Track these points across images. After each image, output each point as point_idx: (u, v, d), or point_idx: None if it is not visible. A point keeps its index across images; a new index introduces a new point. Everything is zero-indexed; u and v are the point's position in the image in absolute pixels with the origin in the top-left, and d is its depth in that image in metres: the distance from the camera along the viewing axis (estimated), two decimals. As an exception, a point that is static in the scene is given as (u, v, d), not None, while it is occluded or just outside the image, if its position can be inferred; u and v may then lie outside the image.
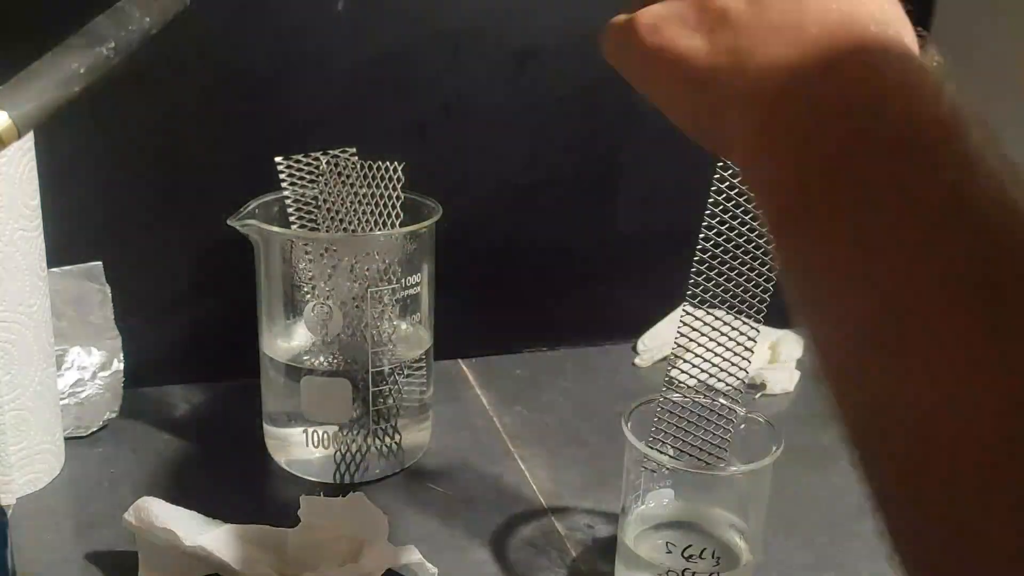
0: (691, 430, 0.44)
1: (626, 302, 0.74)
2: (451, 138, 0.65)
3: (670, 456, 0.44)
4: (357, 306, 0.51)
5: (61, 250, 0.56)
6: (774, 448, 0.44)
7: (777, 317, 0.63)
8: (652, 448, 0.44)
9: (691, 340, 0.45)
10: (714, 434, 0.45)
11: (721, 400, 0.45)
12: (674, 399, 0.45)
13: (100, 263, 0.59)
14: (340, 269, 0.50)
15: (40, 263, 0.50)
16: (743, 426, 0.46)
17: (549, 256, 0.71)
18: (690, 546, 0.43)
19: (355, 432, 0.53)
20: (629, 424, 0.45)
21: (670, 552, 0.43)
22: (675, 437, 0.44)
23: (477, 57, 0.64)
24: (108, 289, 0.59)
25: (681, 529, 0.46)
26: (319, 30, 0.61)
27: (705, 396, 0.45)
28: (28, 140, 0.47)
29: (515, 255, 0.70)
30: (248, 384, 0.58)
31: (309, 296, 0.52)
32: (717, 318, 0.45)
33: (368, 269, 0.50)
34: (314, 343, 0.53)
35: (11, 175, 0.46)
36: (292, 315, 0.55)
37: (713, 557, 0.43)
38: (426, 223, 0.52)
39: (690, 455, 0.44)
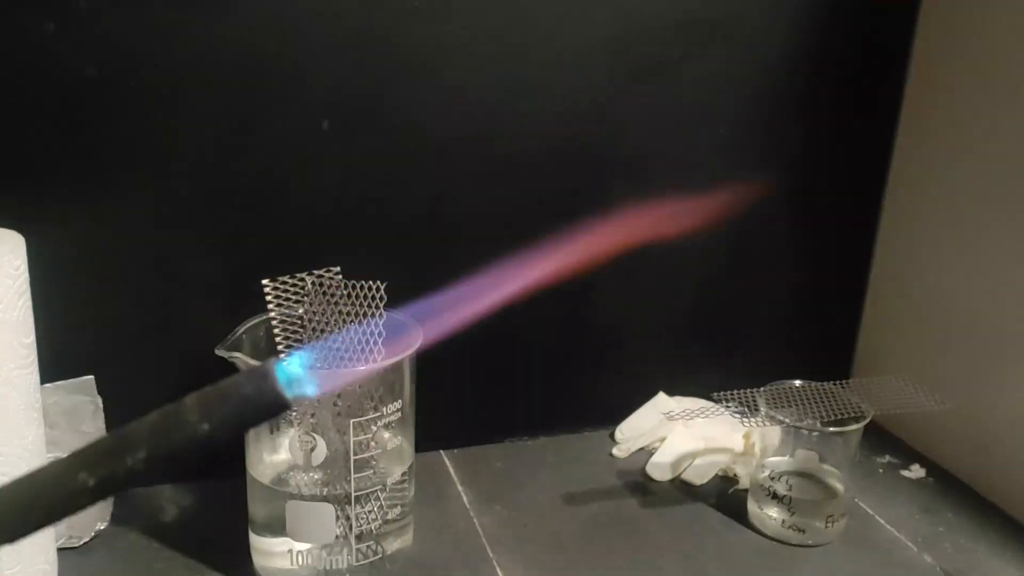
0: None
1: (604, 390, 0.76)
2: (435, 244, 0.67)
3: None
4: (340, 432, 0.53)
5: (54, 364, 0.58)
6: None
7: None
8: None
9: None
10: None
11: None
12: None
13: (92, 377, 0.60)
14: (324, 403, 0.52)
15: (35, 395, 0.52)
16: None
17: (529, 346, 0.73)
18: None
19: (338, 550, 0.55)
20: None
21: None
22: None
23: (460, 166, 0.66)
24: (100, 400, 0.61)
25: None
26: (305, 148, 0.63)
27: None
28: (24, 284, 0.49)
29: (496, 346, 0.72)
30: (236, 484, 0.59)
31: (294, 421, 0.54)
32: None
33: (351, 405, 0.52)
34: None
35: (8, 320, 0.48)
36: (276, 429, 0.57)
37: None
38: (405, 354, 0.54)
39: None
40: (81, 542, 0.59)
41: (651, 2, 0.66)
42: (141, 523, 0.62)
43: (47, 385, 0.58)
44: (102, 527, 0.60)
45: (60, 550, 0.57)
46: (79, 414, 0.61)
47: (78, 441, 0.61)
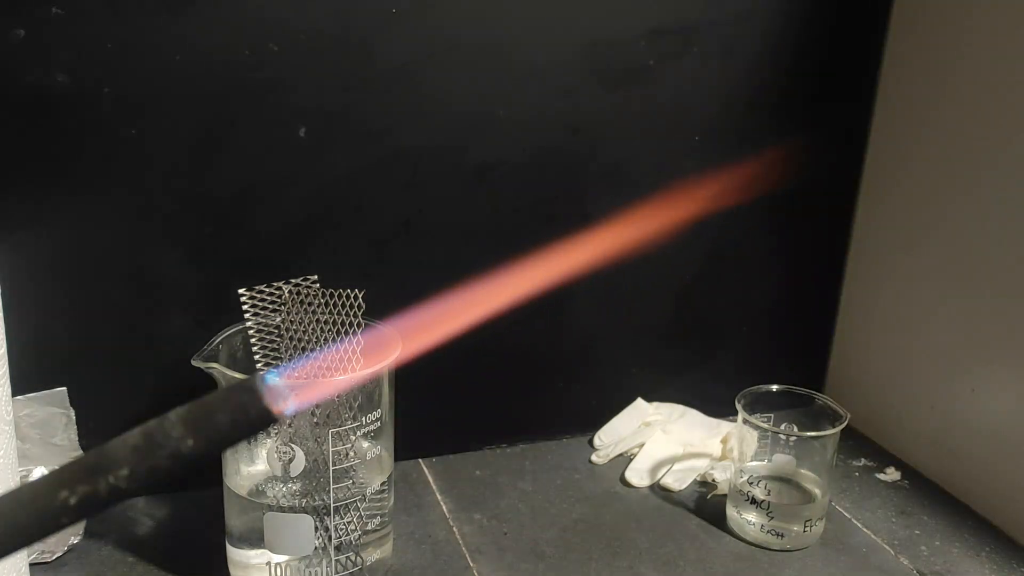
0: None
1: (582, 396, 0.76)
2: (412, 254, 0.67)
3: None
4: (318, 443, 0.53)
5: (26, 377, 0.57)
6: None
7: (729, 407, 0.66)
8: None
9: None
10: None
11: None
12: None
13: (64, 389, 0.59)
14: (302, 413, 0.52)
15: (6, 407, 0.51)
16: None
17: (507, 353, 0.73)
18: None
19: (317, 561, 0.54)
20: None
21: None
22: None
23: (437, 174, 0.66)
24: (72, 413, 0.60)
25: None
26: (282, 155, 0.62)
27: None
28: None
29: (474, 354, 0.72)
30: (212, 495, 0.58)
31: (271, 431, 0.53)
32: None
33: (329, 414, 0.52)
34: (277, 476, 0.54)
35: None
36: (254, 440, 0.56)
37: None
38: (385, 363, 0.54)
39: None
40: (54, 557, 0.58)
41: (626, 10, 0.67)
42: (115, 536, 0.61)
43: (19, 397, 0.57)
44: (75, 541, 0.59)
45: (32, 565, 0.56)
46: (51, 426, 0.60)
47: (50, 454, 0.60)
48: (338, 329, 0.56)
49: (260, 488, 0.55)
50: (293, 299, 0.57)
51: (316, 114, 0.62)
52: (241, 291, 0.56)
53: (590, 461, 0.73)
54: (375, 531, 0.57)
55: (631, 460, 0.72)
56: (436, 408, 0.71)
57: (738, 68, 0.71)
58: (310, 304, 0.56)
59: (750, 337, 0.78)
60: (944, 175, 0.70)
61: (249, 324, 0.57)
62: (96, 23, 0.56)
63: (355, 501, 0.54)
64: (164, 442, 0.19)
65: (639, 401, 0.76)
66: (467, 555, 0.61)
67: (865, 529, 0.66)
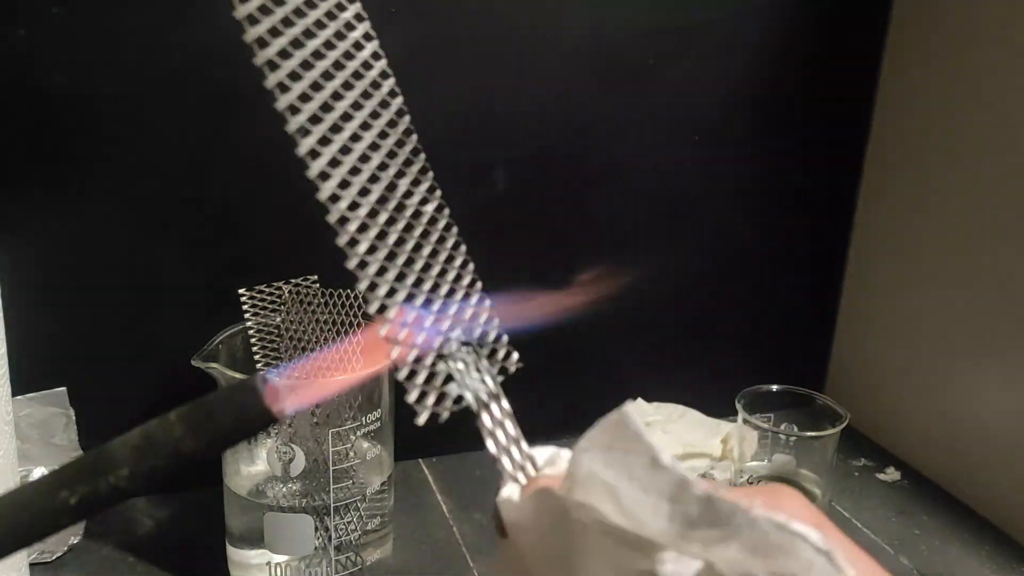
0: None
1: (582, 396, 0.76)
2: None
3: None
4: (318, 443, 0.53)
5: (27, 377, 0.57)
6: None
7: (729, 407, 0.66)
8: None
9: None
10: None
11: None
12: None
13: (64, 389, 0.59)
14: (302, 413, 0.52)
15: (6, 407, 0.51)
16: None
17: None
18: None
19: (317, 561, 0.54)
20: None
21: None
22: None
23: (436, 173, 0.66)
24: (72, 412, 0.60)
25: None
26: (280, 153, 0.62)
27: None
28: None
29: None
30: (212, 495, 0.58)
31: (271, 431, 0.53)
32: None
33: (329, 414, 0.52)
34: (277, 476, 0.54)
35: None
36: (254, 440, 0.56)
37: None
38: (384, 365, 0.54)
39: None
40: (54, 556, 0.58)
41: (624, 10, 0.67)
42: (116, 536, 0.61)
43: (19, 397, 0.57)
44: (76, 541, 0.59)
45: (32, 565, 0.56)
46: (51, 426, 0.60)
47: (50, 454, 0.60)
48: (338, 329, 0.56)
49: (260, 488, 0.55)
50: (293, 299, 0.57)
51: (316, 114, 0.62)
52: (241, 291, 0.56)
53: (590, 461, 0.73)
54: (375, 531, 0.57)
55: (631, 460, 0.72)
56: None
57: (738, 67, 0.71)
58: (310, 304, 0.57)
59: (750, 337, 0.78)
60: (944, 175, 0.70)
61: (249, 324, 0.57)
62: (96, 23, 0.56)
63: (355, 501, 0.54)
64: (164, 442, 0.19)
65: (639, 401, 0.76)
66: (467, 555, 0.61)
67: (865, 529, 0.66)
